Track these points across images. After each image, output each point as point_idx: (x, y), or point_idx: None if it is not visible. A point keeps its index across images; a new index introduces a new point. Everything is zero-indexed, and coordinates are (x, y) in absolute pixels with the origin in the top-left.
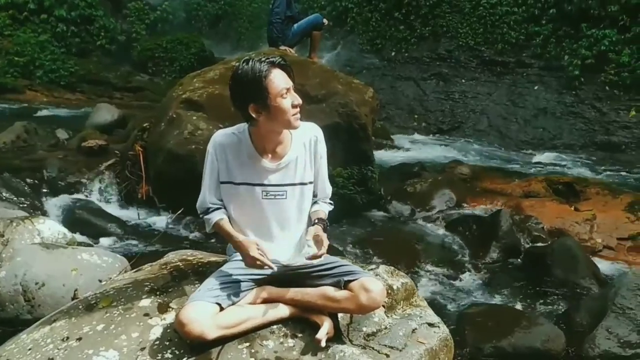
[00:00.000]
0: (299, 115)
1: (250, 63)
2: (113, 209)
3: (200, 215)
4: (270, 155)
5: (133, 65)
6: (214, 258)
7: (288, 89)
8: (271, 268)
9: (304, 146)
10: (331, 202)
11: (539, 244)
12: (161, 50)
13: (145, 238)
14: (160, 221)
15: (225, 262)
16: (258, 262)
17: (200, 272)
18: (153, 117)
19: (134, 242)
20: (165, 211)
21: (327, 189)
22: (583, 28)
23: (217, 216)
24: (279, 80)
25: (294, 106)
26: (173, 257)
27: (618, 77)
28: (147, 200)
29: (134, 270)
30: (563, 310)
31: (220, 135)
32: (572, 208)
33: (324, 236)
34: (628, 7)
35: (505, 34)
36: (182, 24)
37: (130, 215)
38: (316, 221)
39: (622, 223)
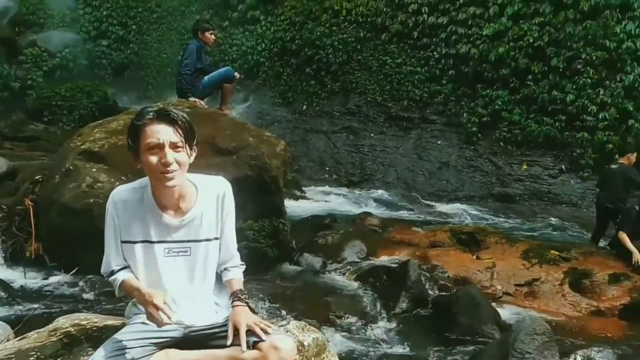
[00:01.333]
0: (170, 176)
1: (141, 111)
2: None
3: (107, 279)
4: (172, 211)
5: (27, 113)
6: (111, 322)
7: (159, 145)
8: (169, 321)
9: (210, 201)
10: (242, 263)
11: (445, 293)
12: (59, 98)
13: (32, 301)
14: (51, 282)
15: (123, 325)
16: (160, 312)
17: (95, 338)
18: (46, 169)
19: (20, 306)
20: (58, 271)
21: (231, 247)
22: (479, 88)
23: (121, 276)
24: (153, 134)
25: (163, 164)
26: (64, 322)
27: (511, 134)
28: (37, 259)
29: (18, 338)
30: (469, 357)
31: (120, 191)
32: (474, 257)
33: (243, 322)
34: (517, 71)
35: (410, 91)
36: (84, 72)
37: (16, 275)
38: (234, 300)
39: (518, 270)
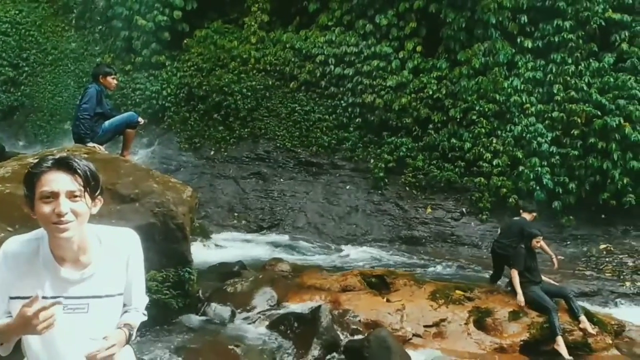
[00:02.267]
0: (64, 227)
1: (40, 158)
2: None
3: None
4: (71, 265)
5: None
6: None
7: (54, 194)
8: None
9: (115, 254)
10: (145, 312)
11: (357, 337)
12: None
13: None
14: None
15: None
16: (39, 315)
17: None
18: None
19: None
20: None
21: (141, 299)
22: (384, 136)
23: None
24: (48, 181)
25: (56, 214)
26: None
27: (415, 179)
28: None
29: None
30: None
31: (13, 242)
32: (385, 299)
33: (115, 337)
34: (419, 119)
35: (319, 138)
36: None
37: None
38: (121, 326)
39: (427, 311)
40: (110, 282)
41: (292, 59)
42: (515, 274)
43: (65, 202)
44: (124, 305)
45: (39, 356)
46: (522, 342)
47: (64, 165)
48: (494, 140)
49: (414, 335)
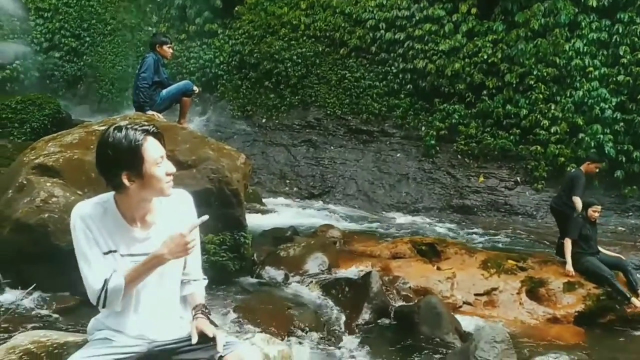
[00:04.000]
0: (171, 184)
1: (123, 131)
2: None
3: (100, 297)
4: (139, 224)
5: None
6: (71, 338)
7: (162, 157)
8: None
9: (174, 214)
10: (205, 277)
11: (407, 303)
12: (10, 111)
13: None
14: (4, 299)
15: (85, 341)
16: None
17: (56, 355)
18: None
19: None
20: (11, 287)
21: (195, 260)
22: (436, 103)
23: (118, 275)
24: (154, 148)
25: (167, 174)
26: (22, 339)
27: (468, 147)
28: None
29: None
30: None
31: (84, 205)
32: (435, 267)
33: (210, 327)
34: (472, 86)
35: (369, 105)
36: (35, 84)
37: None
38: (196, 313)
39: (478, 280)
40: None
41: (342, 25)
42: (568, 243)
43: (168, 162)
44: (188, 274)
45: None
46: (576, 314)
47: (153, 132)
48: (553, 107)
49: (464, 303)
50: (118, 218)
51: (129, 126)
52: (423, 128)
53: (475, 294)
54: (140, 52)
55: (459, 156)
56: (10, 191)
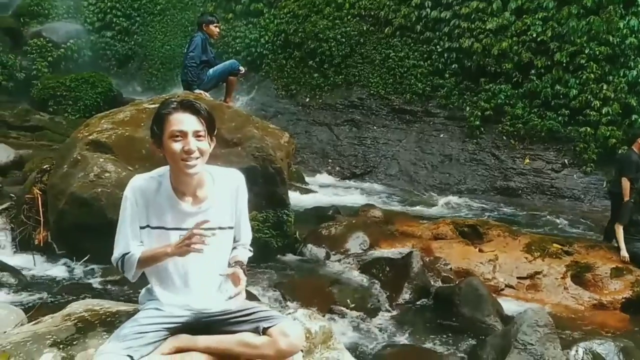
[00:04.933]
0: (192, 163)
1: (166, 100)
2: (6, 256)
3: (118, 264)
4: (190, 199)
5: (32, 103)
6: (123, 307)
7: (183, 133)
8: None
9: (226, 191)
10: (251, 248)
11: (448, 284)
12: (64, 89)
13: (42, 287)
14: (59, 269)
15: (136, 311)
16: (194, 239)
17: (109, 323)
18: (54, 159)
19: (30, 292)
20: (66, 258)
21: (247, 235)
22: (482, 82)
23: (138, 251)
24: (176, 121)
25: (185, 152)
26: (77, 307)
27: (513, 128)
28: (45, 247)
29: (33, 322)
30: (471, 348)
31: (138, 179)
32: (477, 249)
33: (242, 275)
34: (520, 65)
35: (413, 85)
36: (88, 63)
37: (26, 262)
38: (234, 264)
39: (521, 263)
40: (223, 215)
41: (387, 3)
42: (619, 228)
43: (193, 140)
44: (234, 240)
45: (161, 279)
46: (623, 300)
47: (190, 107)
48: (605, 87)
49: (506, 286)
50: (169, 192)
51: (172, 97)
52: (467, 108)
53: (518, 277)
54: (189, 31)
55: (504, 137)
56: (65, 166)
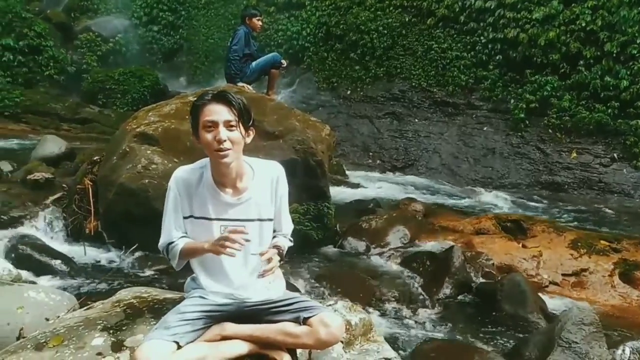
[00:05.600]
0: (224, 153)
1: (202, 93)
2: (59, 244)
3: (164, 252)
4: (230, 190)
5: (82, 96)
6: (169, 295)
7: (214, 123)
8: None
9: (266, 183)
10: (291, 238)
11: (490, 280)
12: (113, 82)
13: (92, 275)
14: (109, 257)
15: (182, 299)
16: (228, 243)
17: (156, 310)
18: (104, 150)
19: (81, 279)
20: (115, 247)
21: (288, 225)
22: (527, 74)
23: (182, 242)
24: (209, 112)
25: (217, 141)
26: (126, 294)
27: (560, 121)
28: (95, 236)
29: (84, 308)
30: (512, 344)
31: (182, 170)
32: (520, 245)
33: (275, 255)
34: (568, 56)
35: (456, 77)
36: (136, 57)
37: (77, 251)
38: (272, 247)
39: (566, 259)
40: (262, 207)
41: None
42: None
43: (224, 130)
44: (274, 231)
45: (206, 268)
46: None
47: (222, 98)
48: None
49: (550, 282)
50: (210, 183)
51: (209, 90)
52: (512, 101)
53: (563, 274)
54: (232, 24)
55: (550, 130)
56: (115, 157)
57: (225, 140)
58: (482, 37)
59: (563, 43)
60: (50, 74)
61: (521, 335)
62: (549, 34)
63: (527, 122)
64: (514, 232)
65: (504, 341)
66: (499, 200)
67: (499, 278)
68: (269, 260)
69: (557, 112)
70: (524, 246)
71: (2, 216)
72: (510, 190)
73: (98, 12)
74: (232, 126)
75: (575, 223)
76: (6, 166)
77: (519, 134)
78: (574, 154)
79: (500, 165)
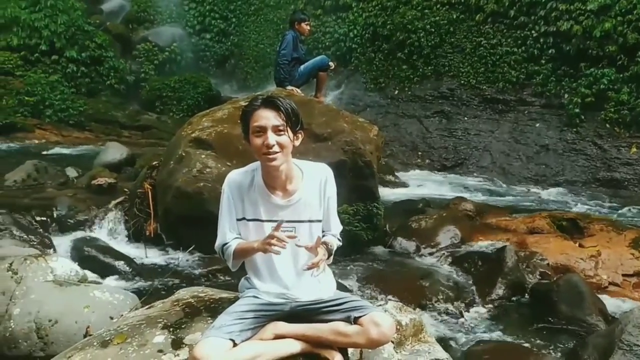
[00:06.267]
0: (273, 157)
1: (252, 98)
2: (121, 246)
3: (219, 253)
4: (281, 192)
5: (141, 104)
6: (225, 294)
7: (263, 128)
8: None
9: (314, 185)
10: (340, 238)
11: (545, 281)
12: (169, 90)
13: (153, 275)
14: (168, 258)
15: (237, 298)
16: (275, 241)
17: (212, 309)
18: (162, 156)
19: (142, 279)
20: (174, 249)
21: (337, 226)
22: (582, 67)
23: (235, 243)
24: (258, 118)
25: (265, 146)
26: (184, 293)
27: (618, 115)
28: (155, 237)
29: (146, 307)
30: (570, 347)
31: (234, 173)
32: (577, 244)
33: (320, 250)
34: (626, 47)
35: (506, 73)
36: (190, 64)
37: (138, 252)
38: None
39: (626, 259)
40: (312, 209)
41: None
42: None
43: (272, 135)
44: (323, 231)
45: (258, 269)
46: None
47: (270, 103)
48: None
49: (610, 283)
50: (261, 185)
51: (259, 95)
52: (566, 95)
53: (624, 275)
54: (280, 29)
55: (608, 125)
56: (172, 162)
57: (273, 145)
58: (533, 31)
59: (620, 34)
60: (111, 84)
61: (579, 338)
62: (605, 25)
63: (583, 117)
64: (570, 231)
65: (560, 344)
66: (553, 198)
67: (555, 279)
68: (314, 251)
69: (615, 106)
70: (581, 245)
71: (68, 220)
72: (566, 187)
73: (154, 23)
74: (280, 131)
75: (637, 220)
76: (72, 172)
77: (574, 129)
78: (634, 149)
79: (554, 162)
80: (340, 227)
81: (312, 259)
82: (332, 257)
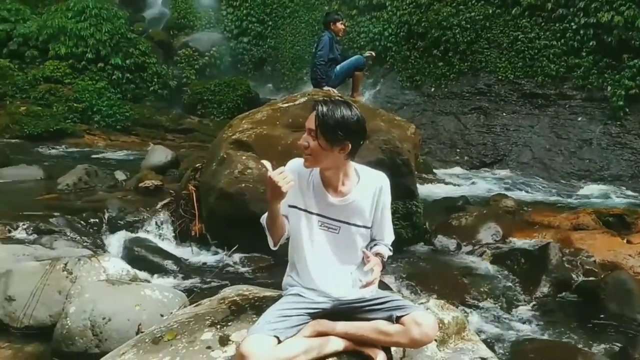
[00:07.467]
0: (305, 158)
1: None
2: (169, 246)
3: (264, 229)
4: (334, 191)
5: (183, 108)
6: (269, 293)
7: (306, 129)
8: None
9: (369, 191)
10: (391, 248)
11: (591, 278)
12: (209, 93)
13: (199, 274)
14: (213, 258)
15: (280, 296)
16: (277, 177)
17: (257, 307)
18: (205, 158)
19: (190, 277)
20: (218, 248)
21: (390, 235)
22: (625, 59)
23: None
24: (309, 118)
25: (302, 145)
26: (230, 292)
27: None
28: (201, 237)
29: (194, 305)
30: (620, 346)
31: (295, 162)
32: (624, 240)
33: (377, 267)
34: None
35: (545, 66)
36: (229, 68)
37: (185, 252)
38: (375, 255)
39: None
40: (361, 214)
41: None
42: None
43: (305, 136)
44: (375, 239)
45: (301, 267)
46: None
47: (314, 106)
48: None
49: None
50: (318, 181)
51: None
52: (609, 88)
53: None
54: (316, 31)
55: None
56: (214, 164)
57: (306, 147)
58: (572, 23)
59: None
60: (154, 89)
61: (629, 337)
62: None
63: (627, 110)
64: (617, 227)
65: (609, 342)
66: (598, 194)
67: (602, 276)
68: (371, 270)
69: None
70: (629, 242)
71: (119, 221)
72: (611, 182)
73: (194, 29)
74: (312, 134)
75: None
76: (121, 175)
77: (618, 122)
78: None
79: (598, 156)
80: (393, 237)
81: (351, 259)
82: (385, 269)
